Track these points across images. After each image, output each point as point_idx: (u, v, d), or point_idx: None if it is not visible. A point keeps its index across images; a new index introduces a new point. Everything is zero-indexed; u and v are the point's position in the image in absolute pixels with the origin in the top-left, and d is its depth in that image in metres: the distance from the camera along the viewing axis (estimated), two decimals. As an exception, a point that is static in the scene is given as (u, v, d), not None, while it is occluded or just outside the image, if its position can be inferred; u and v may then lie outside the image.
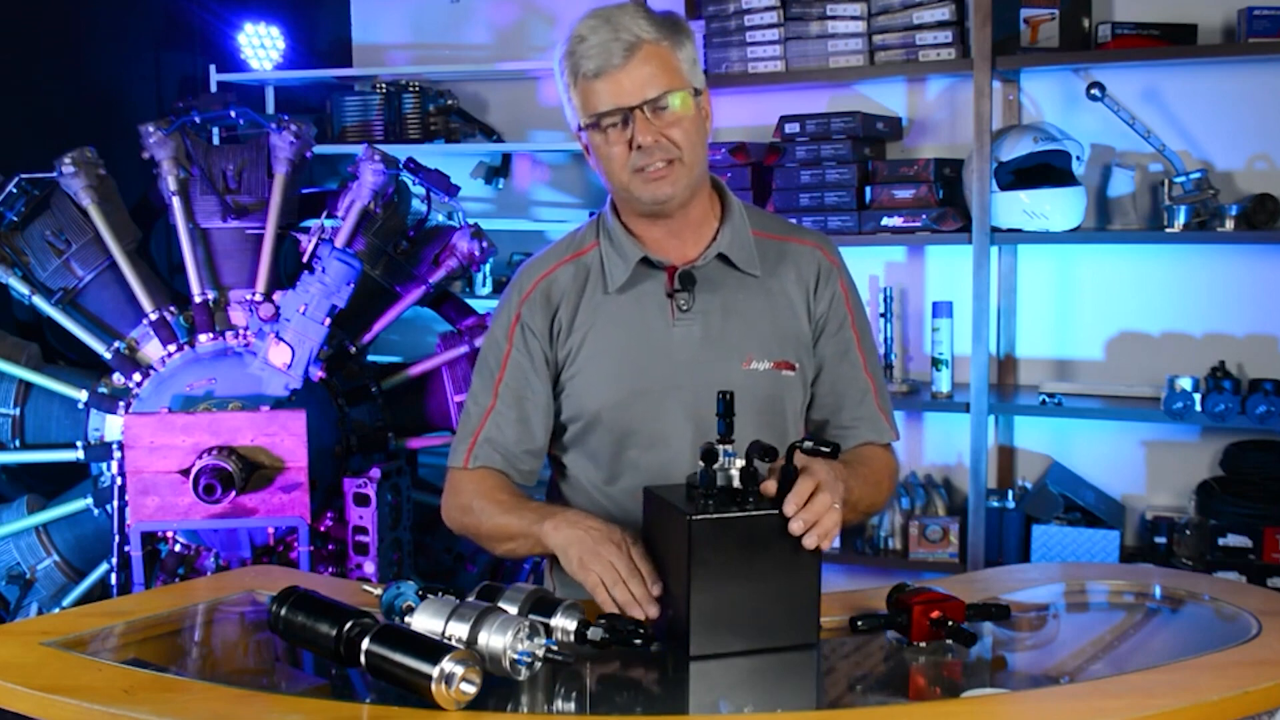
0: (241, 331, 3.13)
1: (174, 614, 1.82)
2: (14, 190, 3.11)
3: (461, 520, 1.95)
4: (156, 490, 2.77)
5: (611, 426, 1.93)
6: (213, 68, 4.10)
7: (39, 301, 3.11)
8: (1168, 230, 3.31)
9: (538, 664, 1.47)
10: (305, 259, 3.02)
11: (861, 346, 2.00)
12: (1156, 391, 3.37)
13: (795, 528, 1.57)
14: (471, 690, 1.38)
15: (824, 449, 1.60)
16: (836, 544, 3.63)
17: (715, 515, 1.57)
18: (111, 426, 3.07)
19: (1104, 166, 3.59)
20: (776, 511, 1.58)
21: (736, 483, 1.61)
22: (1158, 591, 1.92)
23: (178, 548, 3.06)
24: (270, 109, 4.30)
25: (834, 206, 3.59)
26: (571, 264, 1.96)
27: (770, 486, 1.61)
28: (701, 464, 1.60)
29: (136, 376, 3.10)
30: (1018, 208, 3.40)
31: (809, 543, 1.58)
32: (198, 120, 3.27)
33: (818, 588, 1.62)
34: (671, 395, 1.90)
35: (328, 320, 2.92)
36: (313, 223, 3.12)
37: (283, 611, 1.55)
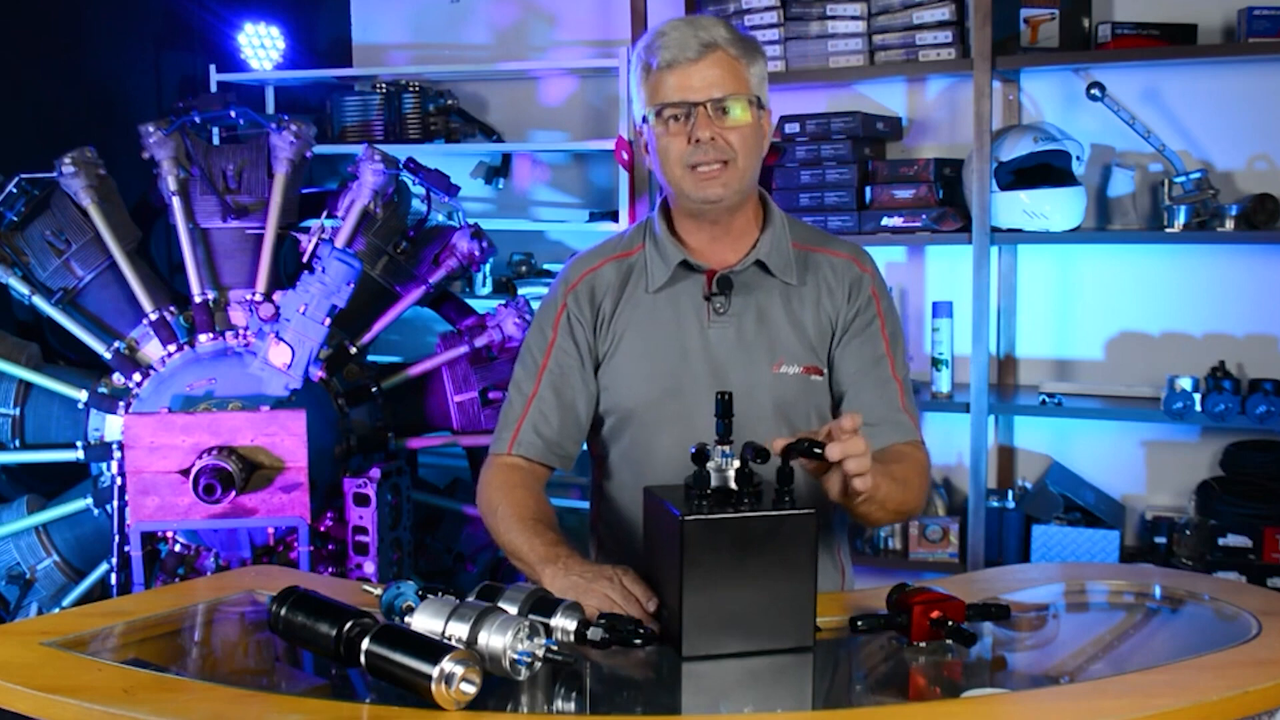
0: (241, 331, 3.13)
1: (174, 614, 1.82)
2: (14, 190, 3.10)
3: (487, 518, 1.99)
4: (156, 490, 2.76)
5: (645, 423, 1.99)
6: (213, 68, 4.10)
7: (39, 301, 3.11)
8: (1168, 230, 3.31)
9: (538, 664, 1.47)
10: (305, 259, 3.01)
11: (890, 349, 2.03)
12: (1156, 391, 3.37)
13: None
14: (471, 690, 1.38)
15: (816, 450, 1.61)
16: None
17: (708, 516, 1.57)
18: (111, 426, 3.07)
19: (1104, 166, 3.59)
20: (770, 513, 1.59)
21: (733, 484, 1.61)
22: (1158, 591, 1.92)
23: (178, 548, 3.06)
24: (270, 109, 4.30)
25: (834, 206, 3.59)
26: (617, 263, 2.03)
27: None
28: (694, 464, 1.61)
29: (136, 376, 3.09)
30: (1018, 208, 3.40)
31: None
32: (198, 120, 3.27)
33: (813, 590, 1.62)
34: (703, 395, 1.92)
35: (328, 320, 2.92)
36: (313, 223, 3.12)
37: (283, 611, 1.55)
